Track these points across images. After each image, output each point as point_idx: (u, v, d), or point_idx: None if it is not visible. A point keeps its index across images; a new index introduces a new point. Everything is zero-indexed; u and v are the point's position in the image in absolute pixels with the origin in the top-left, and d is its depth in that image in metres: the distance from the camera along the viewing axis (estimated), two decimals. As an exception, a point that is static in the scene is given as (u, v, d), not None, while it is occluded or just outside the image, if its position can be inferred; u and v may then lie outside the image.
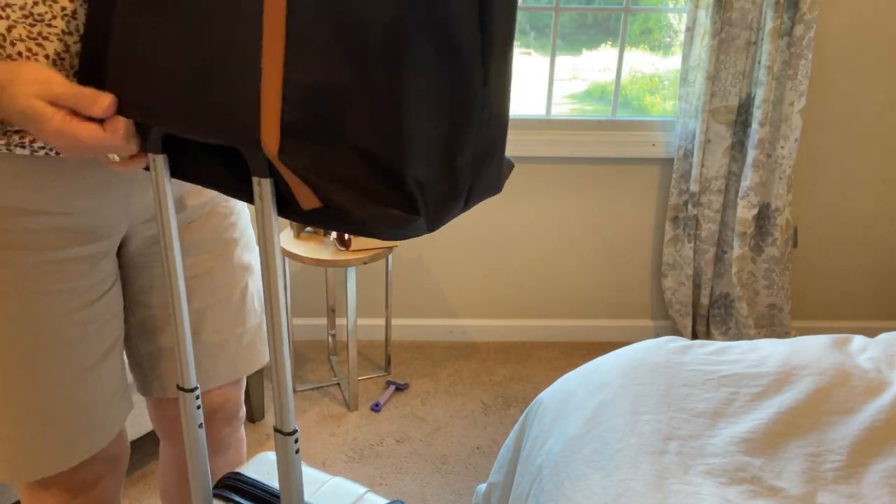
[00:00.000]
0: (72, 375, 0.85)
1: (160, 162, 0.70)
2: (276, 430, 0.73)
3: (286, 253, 1.97)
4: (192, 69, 0.61)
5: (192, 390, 0.82)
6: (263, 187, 0.61)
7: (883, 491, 0.99)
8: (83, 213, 0.82)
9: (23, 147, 0.74)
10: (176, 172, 0.72)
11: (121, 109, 0.66)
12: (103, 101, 0.64)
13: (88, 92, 0.65)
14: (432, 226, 0.60)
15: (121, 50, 0.66)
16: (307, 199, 0.61)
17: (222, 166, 0.67)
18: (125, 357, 0.99)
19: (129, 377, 1.01)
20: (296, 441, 0.74)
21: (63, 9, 0.72)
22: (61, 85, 0.64)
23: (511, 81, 0.62)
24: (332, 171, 0.57)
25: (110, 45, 0.67)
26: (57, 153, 0.76)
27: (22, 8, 0.69)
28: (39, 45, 0.72)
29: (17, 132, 0.73)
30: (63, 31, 0.72)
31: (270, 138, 0.57)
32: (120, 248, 0.93)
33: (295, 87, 0.56)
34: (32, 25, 0.70)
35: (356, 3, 0.53)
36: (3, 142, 0.74)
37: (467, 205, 0.63)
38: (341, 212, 0.61)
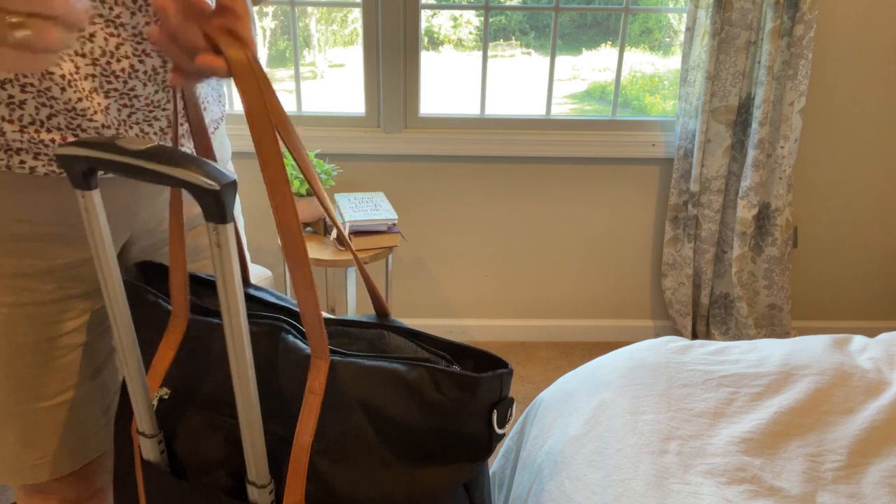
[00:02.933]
0: (73, 381, 0.85)
1: (91, 198, 0.65)
2: (249, 483, 0.70)
3: (286, 253, 1.97)
4: None
5: (153, 436, 0.76)
6: (221, 234, 0.58)
7: (883, 491, 0.99)
8: (79, 224, 0.81)
9: (22, 167, 0.73)
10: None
11: None
12: None
13: None
14: None
15: None
16: None
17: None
18: None
19: None
20: (270, 493, 0.71)
21: (107, 107, 0.73)
22: None
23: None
24: None
25: None
26: (59, 172, 0.75)
27: None
28: (76, 135, 0.72)
29: (17, 152, 0.72)
30: (76, 53, 0.71)
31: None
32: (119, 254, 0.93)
33: None
34: None
35: None
36: (3, 161, 0.72)
37: None
38: None
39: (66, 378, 0.84)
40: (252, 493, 0.68)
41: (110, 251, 0.69)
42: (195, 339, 0.76)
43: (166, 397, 0.77)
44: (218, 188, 0.54)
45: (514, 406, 0.71)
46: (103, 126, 0.74)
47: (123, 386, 0.80)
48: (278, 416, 0.72)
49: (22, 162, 0.72)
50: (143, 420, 0.74)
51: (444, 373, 0.66)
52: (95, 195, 0.66)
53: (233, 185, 0.55)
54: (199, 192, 0.54)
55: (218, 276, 0.59)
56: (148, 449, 0.76)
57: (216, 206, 0.55)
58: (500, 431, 0.69)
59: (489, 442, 0.70)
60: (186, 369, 0.76)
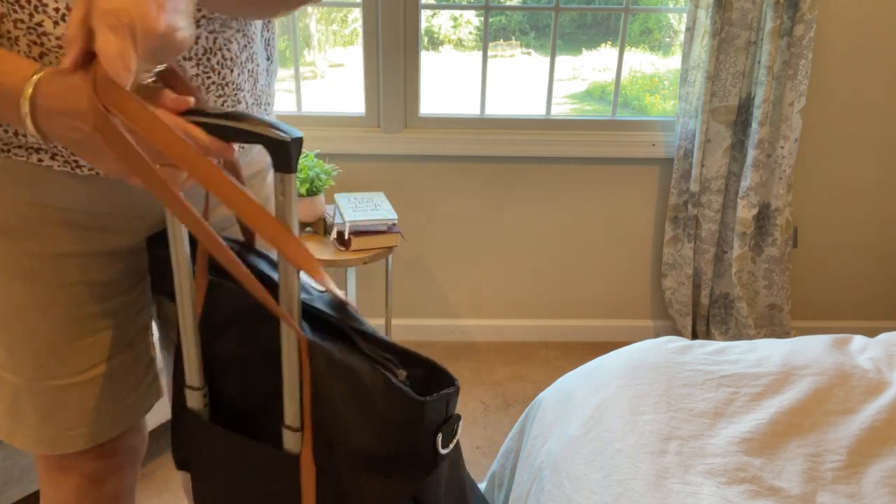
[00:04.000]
0: (98, 359, 0.87)
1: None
2: (286, 427, 0.75)
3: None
4: None
5: (199, 389, 0.85)
6: (287, 183, 0.65)
7: (883, 491, 0.99)
8: (106, 215, 0.83)
9: (40, 164, 0.76)
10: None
11: None
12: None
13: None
14: None
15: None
16: None
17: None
18: (158, 349, 1.01)
19: (161, 364, 1.03)
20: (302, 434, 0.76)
21: None
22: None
23: None
24: None
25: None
26: (72, 171, 0.77)
27: (59, 38, 0.69)
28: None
29: (37, 150, 0.75)
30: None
31: None
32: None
33: None
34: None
35: None
36: (24, 158, 0.76)
37: None
38: None
39: (92, 356, 0.87)
40: (287, 435, 0.76)
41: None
42: (212, 298, 0.84)
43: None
44: (289, 140, 0.63)
45: (461, 423, 0.73)
46: None
47: (178, 349, 0.87)
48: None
49: (40, 160, 0.76)
50: (192, 375, 0.84)
51: (395, 388, 0.69)
52: None
53: (299, 141, 0.64)
54: (271, 144, 0.63)
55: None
56: (194, 398, 0.85)
57: (285, 156, 0.64)
58: (443, 451, 0.72)
59: (433, 460, 0.73)
60: (207, 326, 0.85)
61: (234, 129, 0.65)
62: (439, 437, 0.71)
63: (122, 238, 0.86)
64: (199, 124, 0.65)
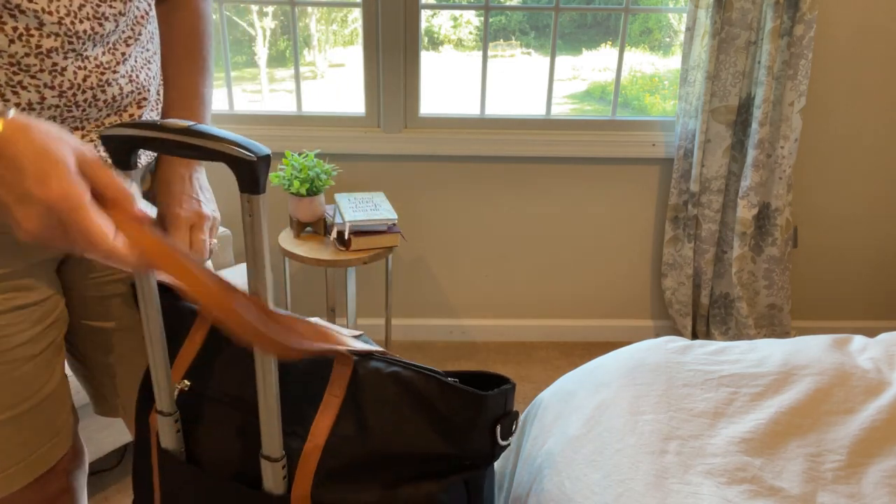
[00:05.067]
0: (24, 395, 0.83)
1: (131, 178, 0.69)
2: (263, 457, 0.72)
3: (286, 253, 1.97)
4: None
5: (170, 415, 0.81)
6: (254, 204, 0.62)
7: (883, 491, 0.99)
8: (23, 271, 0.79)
9: None
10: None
11: None
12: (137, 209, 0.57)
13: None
14: None
15: None
16: None
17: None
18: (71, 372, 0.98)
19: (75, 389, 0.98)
20: (283, 467, 0.73)
21: (54, 64, 0.72)
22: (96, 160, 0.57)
23: None
24: None
25: None
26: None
27: (11, 56, 0.69)
28: (15, 92, 0.71)
29: None
30: (45, 84, 0.72)
31: None
32: (64, 269, 0.91)
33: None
34: (15, 74, 0.69)
35: None
36: None
37: None
38: None
39: (18, 392, 0.82)
40: (265, 467, 0.72)
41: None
42: (217, 336, 0.81)
43: (186, 389, 0.81)
44: (254, 159, 0.59)
45: (519, 418, 0.74)
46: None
47: (146, 374, 0.83)
48: (290, 413, 0.75)
49: None
50: (162, 399, 0.78)
51: (452, 388, 0.69)
52: (135, 175, 0.69)
53: (266, 159, 0.60)
54: (235, 163, 0.59)
55: (248, 244, 0.63)
56: (165, 429, 0.79)
57: (250, 176, 0.59)
58: (503, 443, 0.73)
59: (492, 452, 0.73)
60: (207, 364, 0.81)
61: (194, 146, 0.61)
62: (498, 429, 0.72)
63: (34, 251, 0.82)
64: (159, 141, 0.61)
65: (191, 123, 0.62)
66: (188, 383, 0.81)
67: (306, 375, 0.76)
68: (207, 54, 0.96)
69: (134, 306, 0.93)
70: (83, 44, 0.73)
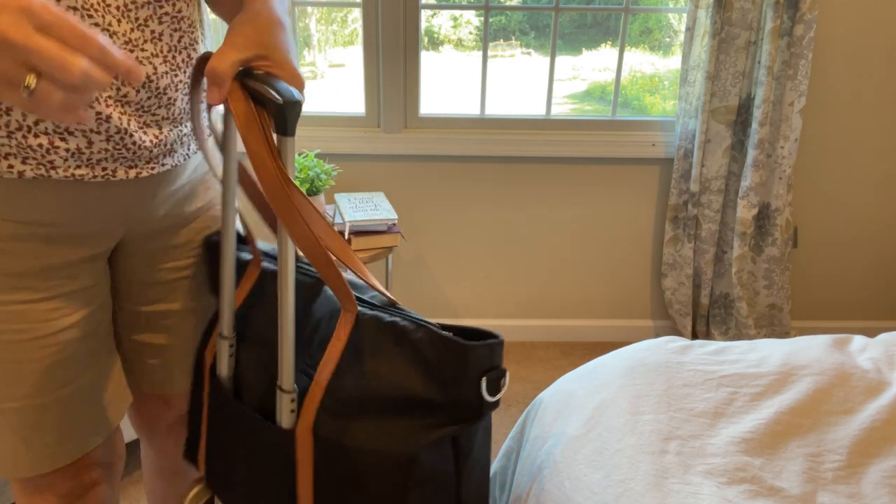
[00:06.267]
0: (65, 379, 0.85)
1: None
2: (278, 388, 0.80)
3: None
4: None
5: (227, 338, 0.91)
6: (282, 146, 0.71)
7: (883, 491, 0.99)
8: (74, 224, 0.81)
9: (10, 171, 0.73)
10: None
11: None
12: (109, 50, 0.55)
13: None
14: None
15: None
16: None
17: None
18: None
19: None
20: (292, 401, 0.81)
21: (98, 113, 0.74)
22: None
23: None
24: None
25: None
26: (46, 174, 0.74)
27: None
28: (63, 139, 0.73)
29: (6, 157, 0.72)
30: (91, 130, 0.74)
31: None
32: (119, 258, 0.93)
33: None
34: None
35: None
36: (4, 165, 0.73)
37: None
38: None
39: (58, 376, 0.84)
40: (279, 398, 0.81)
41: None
42: (263, 285, 0.92)
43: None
44: (280, 102, 0.66)
45: (507, 377, 0.77)
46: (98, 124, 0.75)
47: (212, 318, 0.96)
48: (305, 354, 0.85)
49: (10, 166, 0.73)
50: (224, 324, 0.90)
51: (442, 337, 0.74)
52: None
53: (294, 104, 0.67)
54: (269, 104, 0.68)
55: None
56: (223, 352, 0.91)
57: (278, 117, 0.68)
58: (490, 399, 0.75)
59: (479, 407, 0.76)
60: (251, 308, 0.92)
61: (248, 86, 0.71)
62: (484, 382, 0.74)
63: (89, 246, 0.84)
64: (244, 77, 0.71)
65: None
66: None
67: (322, 321, 0.83)
68: None
69: (203, 286, 1.01)
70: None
